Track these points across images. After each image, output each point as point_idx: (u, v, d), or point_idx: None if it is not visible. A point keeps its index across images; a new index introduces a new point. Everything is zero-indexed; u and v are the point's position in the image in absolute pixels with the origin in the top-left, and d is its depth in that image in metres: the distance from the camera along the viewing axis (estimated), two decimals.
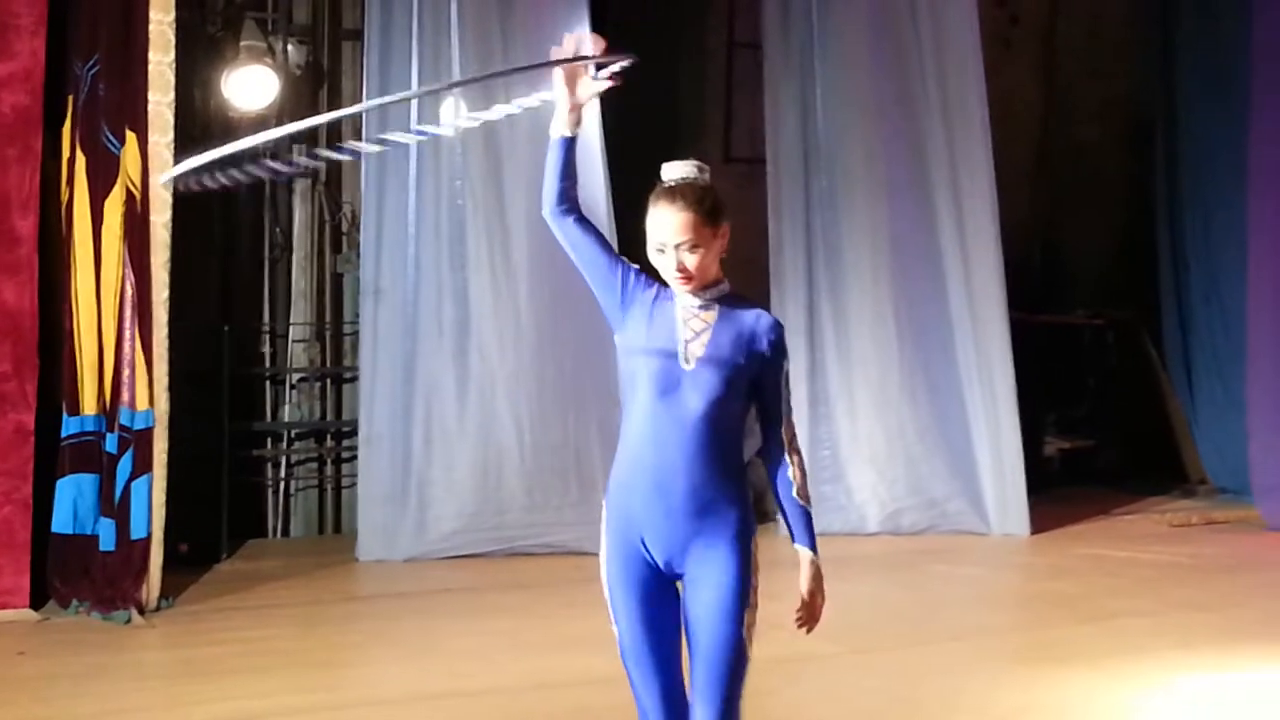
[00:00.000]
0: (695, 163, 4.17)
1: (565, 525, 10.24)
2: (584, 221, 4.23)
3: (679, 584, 4.13)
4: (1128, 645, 7.92)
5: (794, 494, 4.11)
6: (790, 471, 4.12)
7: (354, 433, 11.06)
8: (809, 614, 4.11)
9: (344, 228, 11.68)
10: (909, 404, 11.61)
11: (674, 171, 4.16)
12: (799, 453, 4.15)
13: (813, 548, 4.12)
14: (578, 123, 4.28)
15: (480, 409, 10.67)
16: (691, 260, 4.08)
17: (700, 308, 4.14)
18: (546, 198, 4.26)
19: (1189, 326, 13.49)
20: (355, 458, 10.99)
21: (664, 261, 4.12)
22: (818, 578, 4.09)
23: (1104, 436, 14.09)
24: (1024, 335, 11.96)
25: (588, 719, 6.57)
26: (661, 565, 4.09)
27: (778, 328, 4.16)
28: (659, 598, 4.12)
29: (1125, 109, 14.50)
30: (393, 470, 10.54)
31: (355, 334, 11.24)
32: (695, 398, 4.06)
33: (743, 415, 4.14)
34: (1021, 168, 13.88)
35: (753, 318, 4.15)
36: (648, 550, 4.09)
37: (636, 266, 4.24)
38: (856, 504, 11.52)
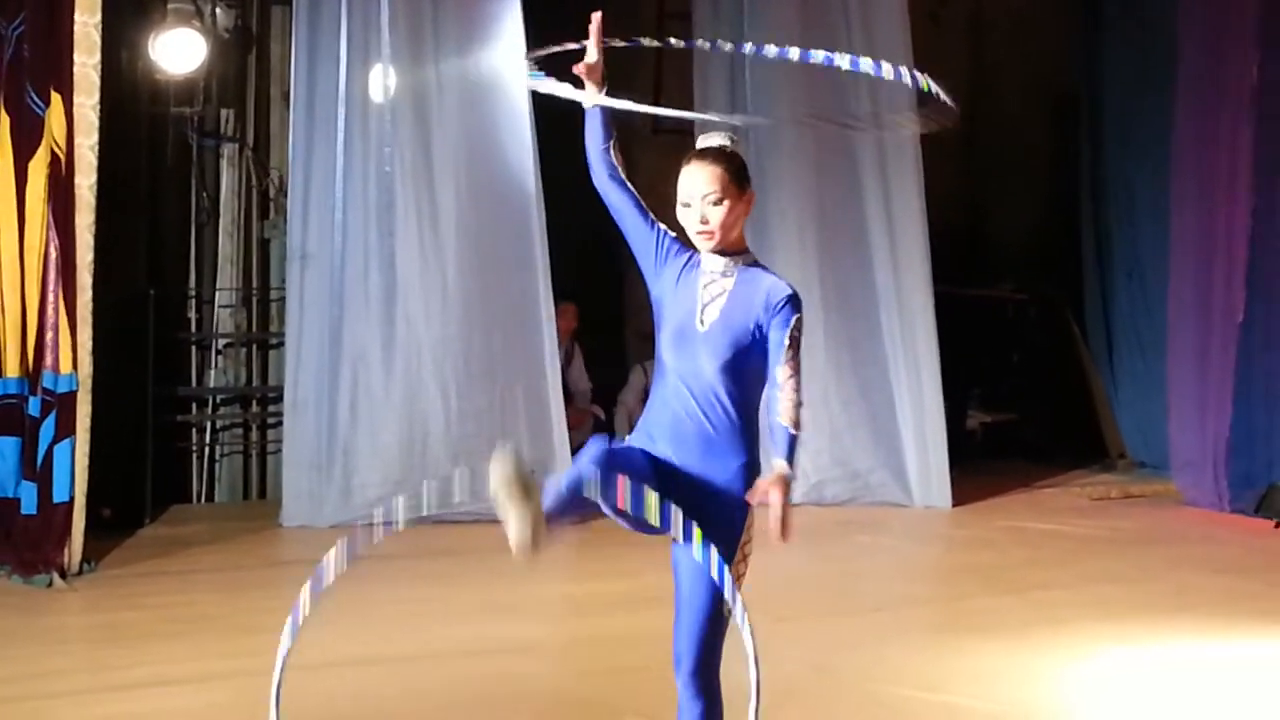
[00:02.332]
0: (729, 134, 4.37)
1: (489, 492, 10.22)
2: (625, 187, 4.40)
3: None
4: (1047, 616, 8.02)
5: (779, 417, 4.14)
6: (780, 403, 4.15)
7: (280, 399, 11.02)
8: (782, 524, 4.07)
9: (271, 193, 11.62)
10: (833, 375, 11.67)
11: (707, 140, 4.36)
12: (796, 390, 4.16)
13: (789, 462, 4.12)
14: (597, 89, 4.40)
15: (406, 376, 10.66)
16: (715, 214, 4.26)
17: (721, 274, 4.31)
18: (591, 167, 4.42)
19: (1111, 302, 13.61)
20: (281, 424, 10.95)
21: (689, 216, 4.29)
22: (782, 486, 4.05)
23: (1026, 410, 14.21)
24: (949, 309, 12.04)
25: (514, 685, 6.59)
26: (664, 475, 4.20)
27: (786, 295, 4.25)
28: (645, 460, 4.24)
29: (1051, 86, 14.59)
30: (318, 436, 10.52)
31: (282, 300, 11.18)
32: (707, 359, 4.23)
33: (757, 377, 4.26)
34: (948, 143, 13.95)
35: (768, 284, 4.28)
36: (659, 457, 4.24)
37: (673, 233, 4.39)
38: None
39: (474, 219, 10.77)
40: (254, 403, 11.69)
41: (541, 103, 10.47)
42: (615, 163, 4.40)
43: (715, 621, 4.21)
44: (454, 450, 10.61)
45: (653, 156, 13.10)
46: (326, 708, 6.28)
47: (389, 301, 10.70)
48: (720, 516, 4.19)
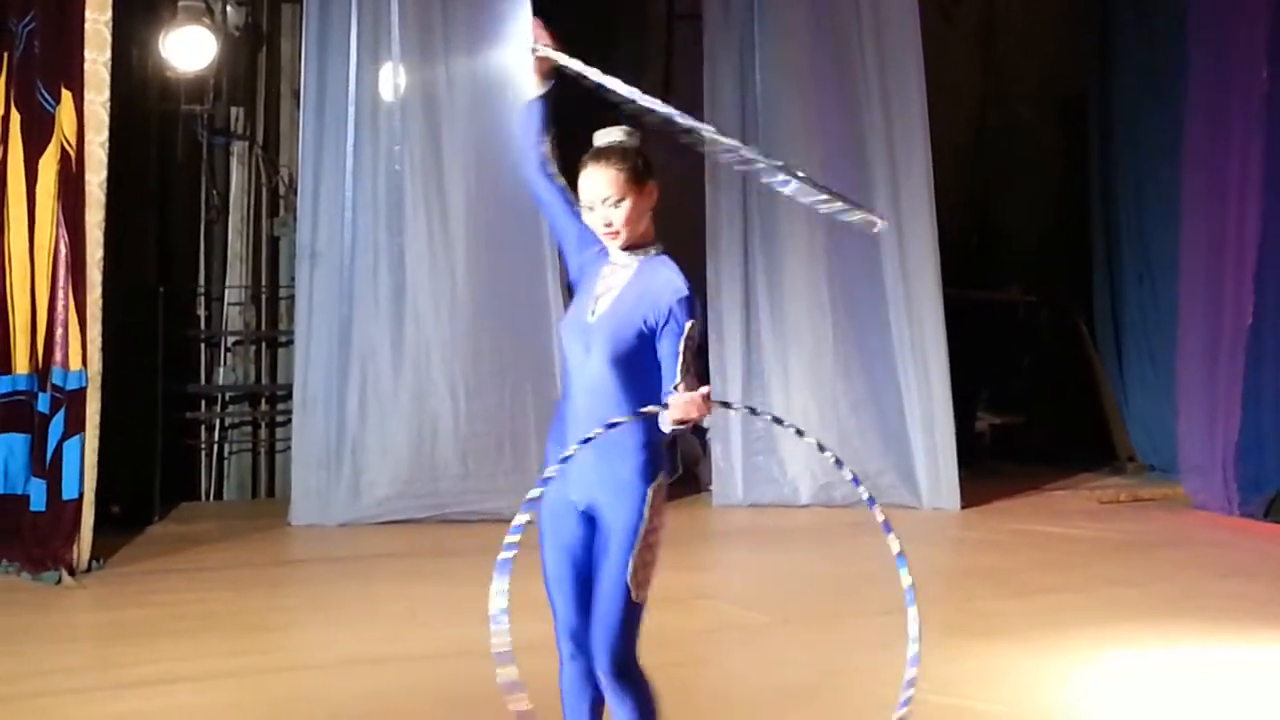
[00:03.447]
0: (625, 128, 4.38)
1: (498, 493, 10.22)
2: (554, 181, 4.47)
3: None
4: (1055, 620, 8.00)
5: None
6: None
7: (289, 397, 11.02)
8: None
9: (281, 191, 11.62)
10: (843, 378, 11.66)
11: (604, 136, 4.38)
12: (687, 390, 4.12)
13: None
14: (541, 83, 4.50)
15: (415, 376, 10.65)
16: (617, 215, 4.29)
17: (622, 266, 4.34)
18: (521, 159, 4.52)
19: (1121, 305, 13.58)
20: (290, 422, 10.95)
21: (594, 219, 4.33)
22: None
23: (1035, 413, 14.20)
24: (958, 312, 12.02)
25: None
26: (581, 505, 4.32)
27: (680, 295, 4.25)
28: (577, 535, 4.36)
29: (1062, 87, 14.56)
30: (327, 435, 10.51)
31: (291, 298, 11.19)
32: (596, 350, 4.27)
33: (647, 370, 4.25)
34: (958, 144, 13.95)
35: (662, 281, 4.29)
36: (568, 486, 4.30)
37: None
38: (789, 476, 11.58)
39: (484, 218, 10.76)
40: (263, 400, 11.69)
41: (549, 99, 10.49)
42: (547, 156, 4.47)
43: (629, 611, 4.25)
44: (463, 449, 10.61)
45: (665, 155, 13.17)
46: (337, 707, 6.29)
47: (398, 300, 10.71)
48: (620, 503, 4.24)
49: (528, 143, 4.50)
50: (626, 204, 4.28)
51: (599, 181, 4.29)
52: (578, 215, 4.43)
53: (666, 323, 4.21)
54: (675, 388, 4.10)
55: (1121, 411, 13.55)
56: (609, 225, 4.30)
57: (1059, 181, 14.70)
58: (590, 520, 4.35)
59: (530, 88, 4.53)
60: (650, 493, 4.26)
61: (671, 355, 4.18)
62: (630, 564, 4.19)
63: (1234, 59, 11.37)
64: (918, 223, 11.65)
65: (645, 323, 4.23)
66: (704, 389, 4.05)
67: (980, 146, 14.51)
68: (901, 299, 11.63)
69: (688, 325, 4.19)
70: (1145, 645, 7.43)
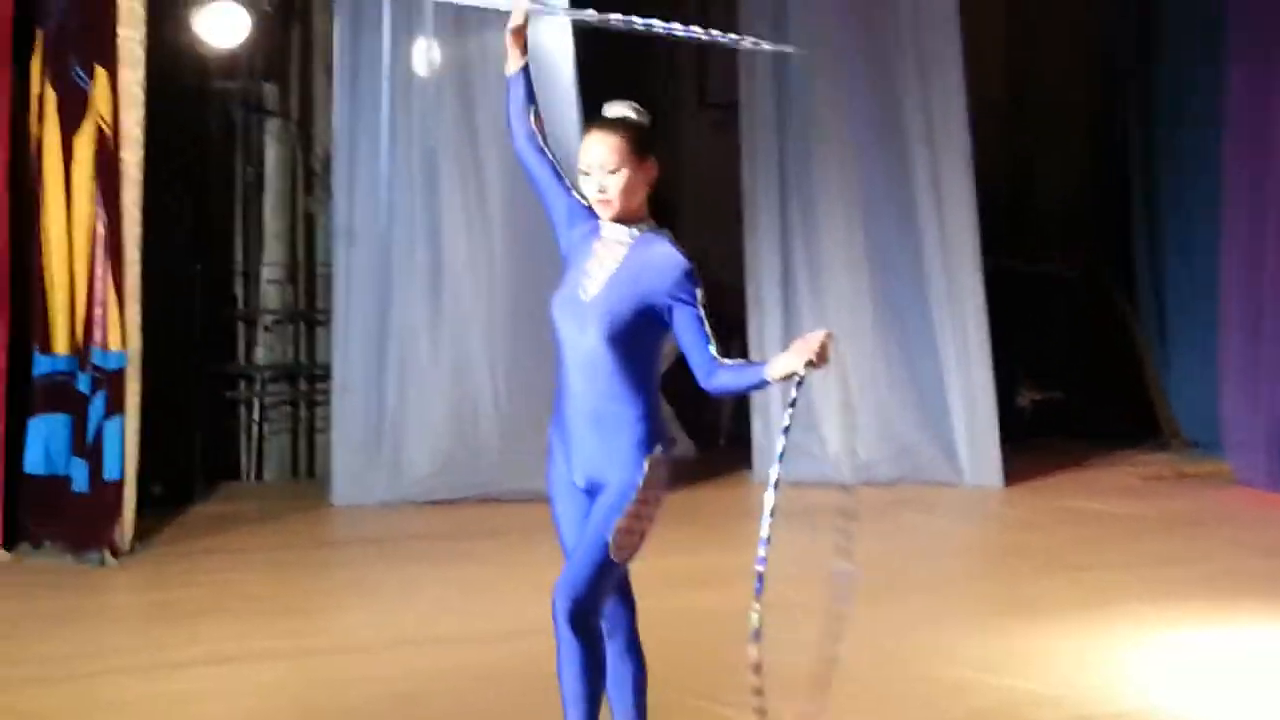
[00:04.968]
0: (634, 104, 4.38)
1: (539, 472, 10.08)
2: (543, 153, 4.50)
3: None
4: (1098, 598, 7.94)
5: (729, 365, 4.17)
6: (722, 372, 4.17)
7: (327, 376, 11.00)
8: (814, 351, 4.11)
9: (316, 168, 11.59)
10: (881, 353, 11.59)
11: (612, 109, 4.39)
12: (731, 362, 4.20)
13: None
14: (520, 56, 4.53)
15: (454, 353, 10.63)
16: (613, 183, 4.29)
17: (617, 242, 4.33)
18: (511, 131, 4.55)
19: (1162, 278, 13.47)
20: (329, 401, 10.93)
21: (588, 185, 4.34)
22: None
23: (1077, 388, 14.10)
24: (998, 284, 11.93)
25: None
26: (582, 483, 4.35)
27: (683, 267, 4.23)
28: (585, 512, 4.35)
29: (1101, 56, 14.41)
30: (366, 415, 10.50)
31: (328, 276, 11.16)
32: (591, 328, 4.25)
33: (645, 346, 4.27)
34: (995, 112, 13.81)
35: (661, 257, 4.28)
36: (570, 468, 4.36)
37: (585, 200, 4.42)
38: (829, 453, 11.52)
39: (520, 192, 10.61)
40: (301, 380, 11.67)
41: (586, 72, 10.43)
42: (535, 128, 4.50)
43: (603, 565, 4.23)
44: (503, 428, 10.58)
45: (704, 128, 13.12)
46: (380, 688, 6.28)
47: (436, 278, 10.68)
48: (616, 470, 4.25)
49: (515, 117, 4.52)
50: (623, 173, 4.27)
51: (600, 148, 4.29)
52: (568, 189, 4.45)
53: (676, 297, 4.20)
54: (715, 353, 4.15)
55: (1164, 386, 13.44)
56: (603, 192, 4.29)
57: (1099, 151, 14.56)
58: (585, 495, 4.38)
59: (510, 61, 4.55)
60: (647, 463, 4.25)
61: (695, 321, 4.18)
62: (615, 523, 4.19)
63: (1278, 27, 11.23)
64: (956, 193, 11.56)
65: (646, 300, 4.22)
66: (824, 332, 4.13)
67: (1019, 116, 14.37)
68: (940, 272, 11.55)
69: (697, 292, 4.20)
70: (1193, 625, 7.36)
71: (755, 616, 4.09)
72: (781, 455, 4.10)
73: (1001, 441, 11.46)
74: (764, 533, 3.99)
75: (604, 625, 4.40)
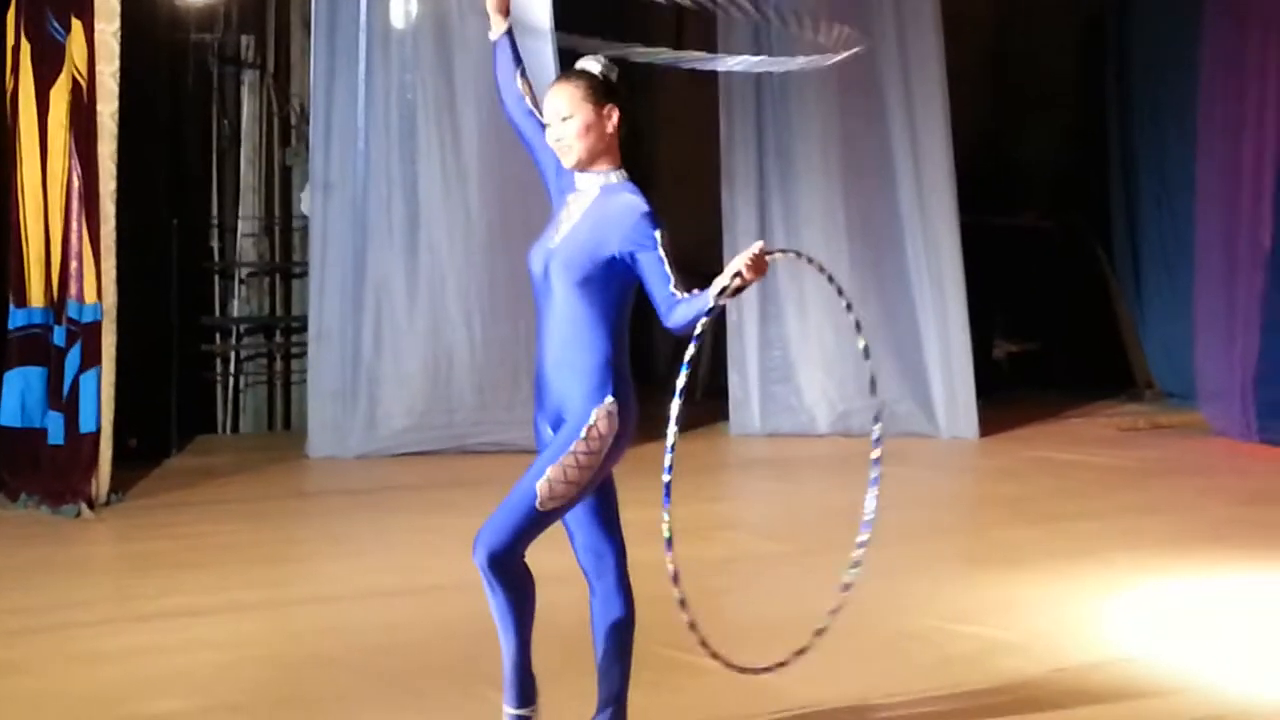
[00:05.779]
0: (605, 61, 4.40)
1: (515, 424, 10.15)
2: (529, 115, 4.54)
3: None
4: (1075, 548, 7.97)
5: (684, 298, 4.13)
6: (679, 306, 4.14)
7: (303, 328, 11.01)
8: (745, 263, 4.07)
9: (293, 121, 11.55)
10: (859, 304, 11.48)
11: (582, 63, 4.42)
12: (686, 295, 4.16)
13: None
14: (503, 20, 4.61)
15: (430, 306, 10.63)
16: (570, 130, 4.30)
17: (584, 193, 4.35)
18: (501, 95, 4.63)
19: (1138, 231, 13.50)
20: (305, 354, 10.94)
21: (550, 135, 4.35)
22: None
23: (1053, 340, 14.14)
24: (975, 237, 11.95)
25: (543, 614, 6.54)
26: (549, 431, 4.33)
27: (641, 210, 4.21)
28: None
29: (1078, 12, 14.41)
30: (342, 367, 10.50)
31: (304, 229, 11.14)
32: (556, 276, 4.28)
33: (607, 295, 4.26)
34: (973, 68, 13.81)
35: (621, 204, 4.27)
36: (542, 416, 4.36)
37: None
38: (806, 405, 11.56)
39: (497, 146, 10.66)
40: (277, 332, 11.67)
41: (564, 26, 10.40)
42: (522, 91, 4.57)
43: (527, 513, 4.16)
44: (478, 379, 10.59)
45: (680, 83, 13.07)
46: (355, 638, 6.29)
47: (412, 230, 10.66)
48: (567, 418, 4.25)
49: (503, 80, 4.61)
50: (577, 119, 4.28)
51: (555, 98, 4.33)
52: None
53: (636, 240, 4.19)
54: (675, 289, 4.12)
55: (1140, 338, 13.49)
56: (559, 140, 4.31)
57: (1075, 106, 14.57)
58: None
59: (493, 26, 4.61)
60: (593, 414, 4.21)
61: (657, 261, 4.17)
62: (548, 471, 4.15)
63: None
64: (933, 145, 11.59)
65: (604, 248, 4.22)
66: (756, 244, 4.09)
67: (997, 73, 14.36)
68: (918, 225, 11.57)
69: (657, 234, 4.18)
70: (1168, 573, 7.39)
71: (665, 528, 4.09)
72: (683, 389, 4.05)
73: (978, 394, 11.49)
74: (670, 440, 3.96)
75: (593, 565, 4.42)
